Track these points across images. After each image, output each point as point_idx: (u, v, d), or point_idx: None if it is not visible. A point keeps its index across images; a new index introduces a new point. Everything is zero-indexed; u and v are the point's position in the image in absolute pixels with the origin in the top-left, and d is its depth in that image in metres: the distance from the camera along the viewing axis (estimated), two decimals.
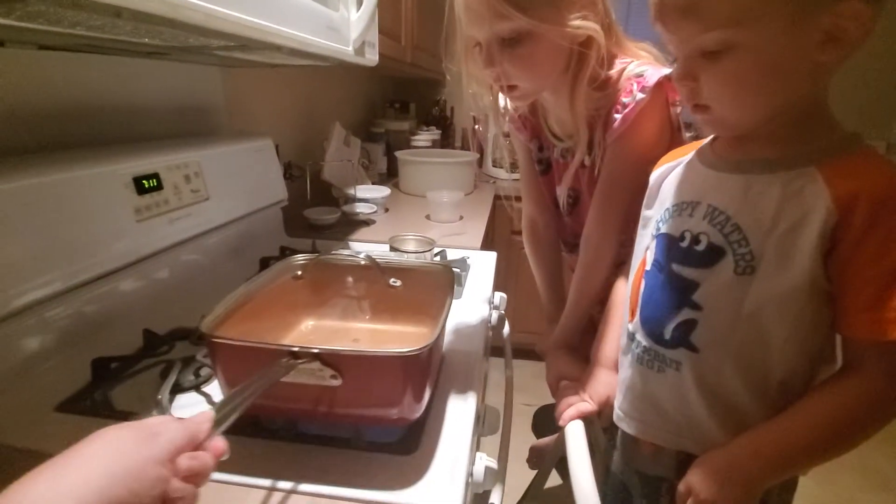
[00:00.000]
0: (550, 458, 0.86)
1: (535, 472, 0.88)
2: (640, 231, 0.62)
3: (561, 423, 0.66)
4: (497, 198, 1.99)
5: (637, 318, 0.58)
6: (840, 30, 0.41)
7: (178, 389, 0.58)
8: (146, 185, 0.73)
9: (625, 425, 0.61)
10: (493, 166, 2.20)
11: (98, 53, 0.73)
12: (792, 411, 0.48)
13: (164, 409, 0.53)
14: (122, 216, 0.69)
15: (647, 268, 0.58)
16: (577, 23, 0.60)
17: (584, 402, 0.66)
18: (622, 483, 0.63)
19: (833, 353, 0.51)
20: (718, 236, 0.50)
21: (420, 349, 0.44)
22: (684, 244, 0.53)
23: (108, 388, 0.57)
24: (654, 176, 0.60)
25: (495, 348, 1.04)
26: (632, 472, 0.62)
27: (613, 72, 0.66)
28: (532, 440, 0.90)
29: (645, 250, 0.59)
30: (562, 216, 0.87)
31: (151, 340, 0.67)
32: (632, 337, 0.59)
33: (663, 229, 0.55)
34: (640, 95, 0.63)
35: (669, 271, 0.54)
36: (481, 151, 2.24)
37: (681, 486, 0.51)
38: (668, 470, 0.57)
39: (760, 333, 0.48)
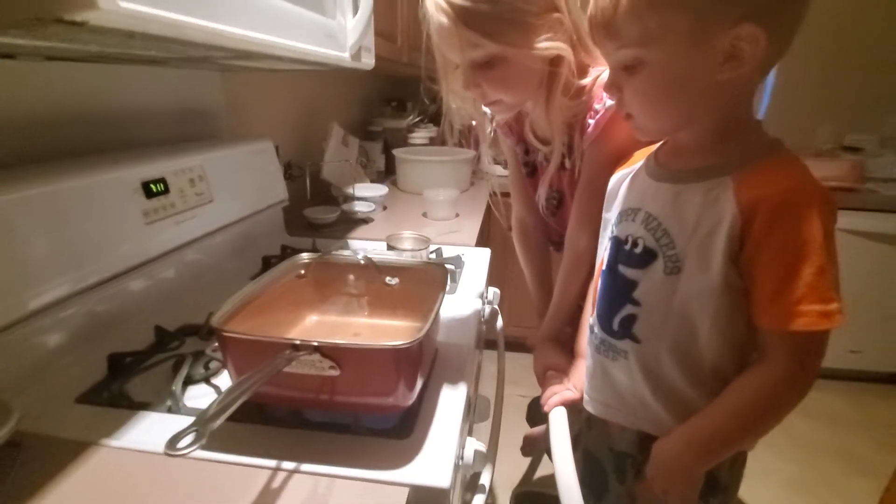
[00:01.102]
0: (542, 446, 0.90)
1: (530, 459, 0.93)
2: (601, 233, 0.66)
3: (546, 409, 0.70)
4: (493, 195, 2.02)
5: (595, 312, 0.64)
6: (738, 50, 0.45)
7: (189, 381, 0.62)
8: (154, 190, 0.77)
9: (591, 408, 0.67)
10: (493, 163, 2.23)
11: (103, 63, 0.77)
12: (716, 401, 0.53)
13: (177, 400, 0.57)
14: (132, 219, 0.73)
15: (603, 267, 0.63)
16: (544, 44, 0.65)
17: (567, 391, 0.70)
18: (597, 459, 0.68)
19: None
20: (651, 240, 0.55)
21: (411, 342, 0.48)
22: (627, 247, 0.58)
23: (123, 381, 0.61)
24: (613, 181, 0.65)
25: (490, 341, 1.08)
26: (604, 448, 0.67)
27: (587, 80, 0.71)
28: (527, 430, 0.94)
29: (604, 251, 0.64)
30: (549, 216, 0.92)
31: (162, 336, 0.71)
32: (592, 329, 0.64)
33: (615, 232, 0.61)
34: (609, 102, 0.67)
35: (616, 271, 0.59)
36: (477, 148, 2.27)
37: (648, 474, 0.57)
38: (631, 446, 0.63)
39: (689, 326, 0.53)
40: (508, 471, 1.30)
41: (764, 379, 0.50)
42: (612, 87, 0.53)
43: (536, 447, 0.94)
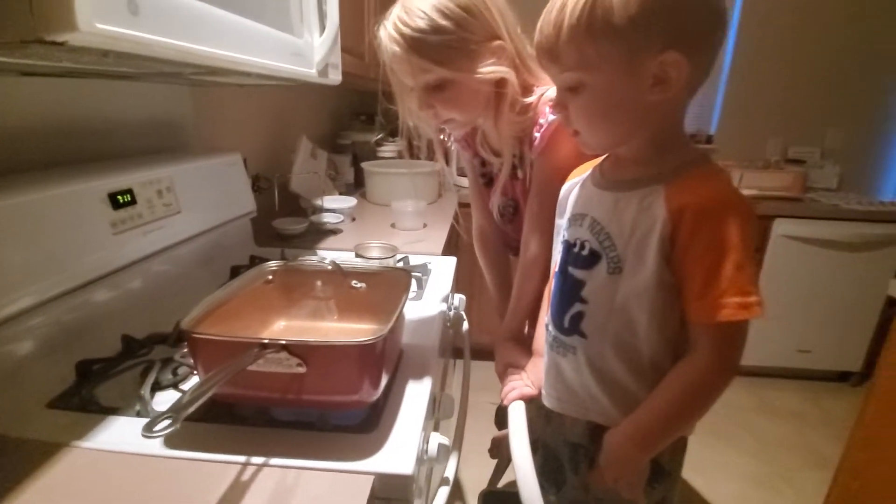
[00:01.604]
0: (507, 448, 0.94)
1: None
2: (555, 238, 0.72)
3: (504, 403, 0.74)
4: (461, 205, 2.08)
5: (549, 311, 0.69)
6: (665, 74, 0.51)
7: (157, 387, 0.63)
8: (121, 201, 0.78)
9: (547, 402, 0.71)
10: (458, 175, 2.29)
11: (74, 77, 0.78)
12: (654, 393, 0.58)
13: (146, 404, 0.58)
14: (99, 230, 0.74)
15: (556, 269, 0.68)
16: (488, 69, 0.73)
17: (526, 387, 0.74)
18: (554, 452, 0.73)
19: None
20: (596, 243, 0.60)
21: (374, 339, 0.51)
22: (576, 250, 0.63)
23: (92, 387, 0.62)
24: (564, 189, 0.70)
25: (458, 349, 1.11)
26: (560, 442, 0.71)
27: (533, 98, 0.78)
28: (492, 432, 0.98)
29: (557, 255, 0.69)
30: (505, 223, 0.97)
31: (130, 344, 0.71)
32: (547, 327, 0.70)
33: (565, 237, 0.66)
34: (551, 116, 0.74)
35: (567, 272, 0.65)
36: (447, 160, 2.33)
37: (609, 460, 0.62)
38: (583, 438, 0.68)
39: (629, 321, 0.59)
40: (477, 475, 1.33)
41: (692, 369, 0.55)
42: (558, 105, 0.59)
43: (503, 449, 0.98)
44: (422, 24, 0.69)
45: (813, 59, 2.46)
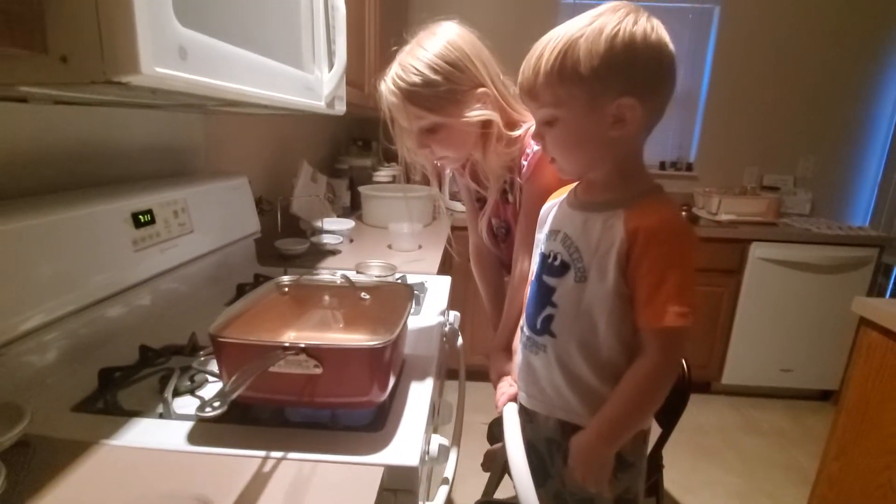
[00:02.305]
0: (502, 460, 0.99)
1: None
2: (534, 251, 0.80)
3: (497, 407, 0.80)
4: (454, 228, 2.15)
5: (524, 314, 0.77)
6: (622, 114, 0.60)
7: (175, 393, 0.67)
8: (142, 220, 0.84)
9: (522, 400, 0.79)
10: (451, 199, 2.37)
11: (102, 106, 0.85)
12: (613, 393, 0.66)
13: (169, 406, 0.63)
14: (123, 247, 0.80)
15: (532, 278, 0.77)
16: (475, 113, 0.84)
17: (512, 387, 0.82)
18: (537, 449, 0.79)
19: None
20: (566, 255, 0.69)
21: (385, 342, 0.57)
22: (549, 260, 0.72)
23: (115, 392, 0.66)
24: (544, 209, 0.80)
25: (452, 371, 1.16)
26: (541, 438, 0.78)
27: (521, 131, 0.89)
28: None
29: (535, 265, 0.78)
30: (499, 244, 1.05)
31: (147, 354, 0.76)
32: (521, 329, 0.78)
33: (542, 249, 0.75)
34: (536, 147, 0.84)
35: (541, 280, 0.73)
36: (440, 186, 2.42)
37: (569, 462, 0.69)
38: (555, 433, 0.75)
39: (591, 323, 0.67)
40: (471, 493, 1.36)
41: (643, 369, 0.64)
42: (537, 136, 0.69)
43: (496, 461, 1.02)
44: (416, 78, 0.81)
45: (785, 92, 2.62)
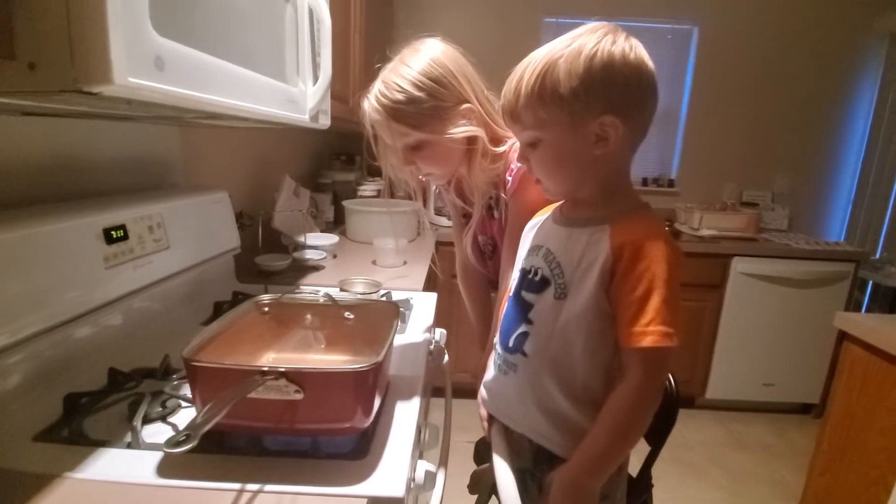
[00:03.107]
0: (487, 481, 0.96)
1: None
2: (515, 267, 0.78)
3: (484, 426, 0.77)
4: (439, 244, 2.13)
5: (498, 332, 0.75)
6: (604, 133, 0.60)
7: (145, 420, 0.63)
8: (114, 236, 0.80)
9: (491, 409, 0.76)
10: (436, 214, 2.36)
11: (74, 118, 0.81)
12: (596, 423, 0.62)
13: (137, 435, 0.59)
14: (92, 264, 0.76)
15: (510, 294, 0.75)
16: (459, 129, 0.83)
17: None
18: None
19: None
20: (548, 270, 0.67)
21: (369, 366, 0.55)
22: (530, 276, 0.70)
23: (80, 419, 0.62)
24: (528, 226, 0.78)
25: (438, 389, 1.14)
26: (513, 469, 0.73)
27: (506, 147, 0.88)
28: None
29: (514, 281, 0.76)
30: (486, 260, 1.03)
31: (116, 378, 0.72)
32: (494, 347, 0.76)
33: (522, 265, 0.73)
34: (519, 164, 0.82)
35: (519, 296, 0.71)
36: (424, 201, 2.41)
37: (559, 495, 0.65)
38: (527, 462, 0.72)
39: (567, 343, 0.65)
40: None
41: (626, 392, 0.60)
42: (522, 158, 0.69)
43: (483, 482, 0.99)
44: (399, 96, 0.80)
45: (761, 111, 2.69)
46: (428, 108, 0.81)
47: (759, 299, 2.27)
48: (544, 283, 0.67)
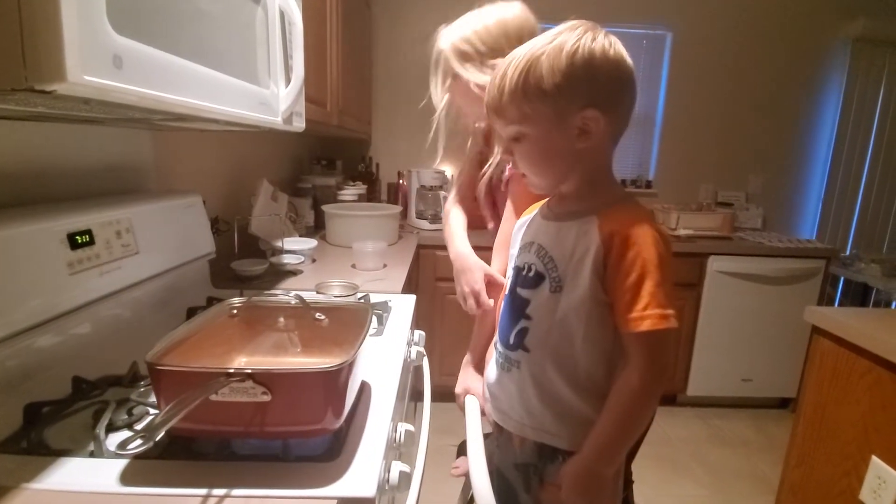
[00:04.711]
0: (466, 490, 0.97)
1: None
2: (508, 266, 0.79)
3: (458, 403, 0.84)
4: (420, 247, 2.13)
5: (497, 330, 0.76)
6: (587, 126, 0.63)
7: (111, 428, 0.62)
8: (79, 241, 0.78)
9: (494, 416, 0.77)
10: (417, 218, 2.36)
11: (36, 121, 0.79)
12: (603, 411, 0.64)
13: (101, 444, 0.57)
14: (56, 270, 0.74)
15: (506, 293, 0.76)
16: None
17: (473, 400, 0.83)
18: (505, 476, 0.77)
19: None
20: (541, 266, 0.69)
21: (338, 365, 0.54)
22: (524, 273, 0.71)
23: (41, 429, 0.60)
24: (517, 226, 0.79)
25: (419, 392, 1.13)
26: (510, 465, 0.75)
27: None
28: (458, 481, 1.00)
29: (508, 280, 0.77)
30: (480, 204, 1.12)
31: (80, 386, 0.70)
32: (495, 345, 0.77)
33: (515, 263, 0.74)
34: None
35: (515, 293, 0.72)
36: (405, 204, 2.41)
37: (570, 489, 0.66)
38: (531, 457, 0.72)
39: (567, 334, 0.66)
40: None
41: (631, 378, 0.62)
42: (506, 152, 0.71)
43: (463, 491, 1.00)
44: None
45: (734, 113, 2.76)
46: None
47: (735, 297, 2.31)
48: (539, 279, 0.69)
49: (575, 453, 0.67)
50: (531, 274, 0.70)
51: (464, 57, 0.93)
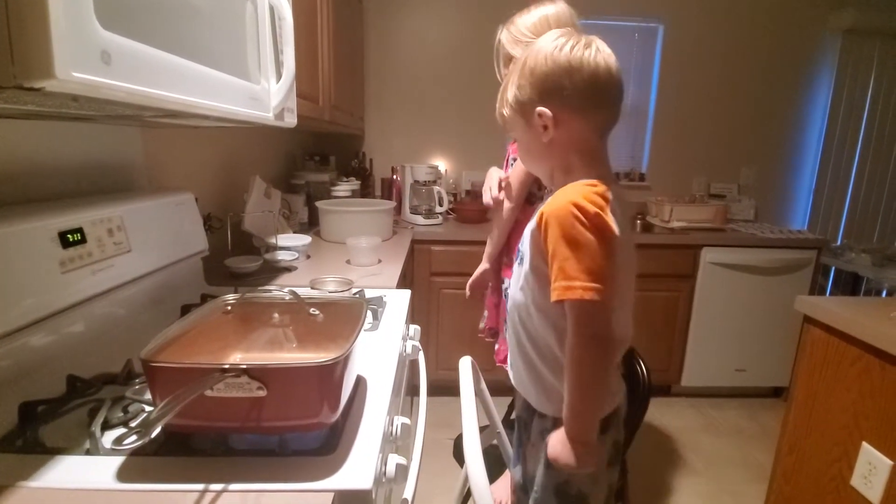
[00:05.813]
0: (464, 485, 0.99)
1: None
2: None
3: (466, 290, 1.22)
4: (415, 242, 2.13)
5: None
6: (543, 122, 0.74)
7: (106, 426, 0.62)
8: (71, 239, 0.78)
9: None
10: (411, 213, 2.36)
11: (22, 119, 0.79)
12: (565, 382, 0.70)
13: (97, 441, 0.57)
14: (48, 268, 0.73)
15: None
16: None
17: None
18: (515, 422, 0.90)
19: None
20: (522, 245, 0.81)
21: (334, 360, 0.54)
22: (520, 255, 0.83)
23: (36, 428, 0.60)
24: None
25: (416, 387, 1.14)
26: (522, 409, 0.89)
27: None
28: (454, 469, 1.01)
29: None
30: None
31: (75, 385, 0.70)
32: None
33: (520, 248, 0.85)
34: None
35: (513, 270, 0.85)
36: (399, 200, 2.40)
37: (549, 454, 0.73)
38: (523, 411, 0.87)
39: (525, 301, 0.78)
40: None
41: (568, 347, 0.68)
42: (515, 151, 0.84)
43: (461, 487, 1.03)
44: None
45: (726, 106, 2.77)
46: None
47: (728, 288, 2.33)
48: (521, 255, 0.81)
49: (542, 414, 0.79)
50: (520, 255, 0.82)
51: (515, 42, 1.21)
